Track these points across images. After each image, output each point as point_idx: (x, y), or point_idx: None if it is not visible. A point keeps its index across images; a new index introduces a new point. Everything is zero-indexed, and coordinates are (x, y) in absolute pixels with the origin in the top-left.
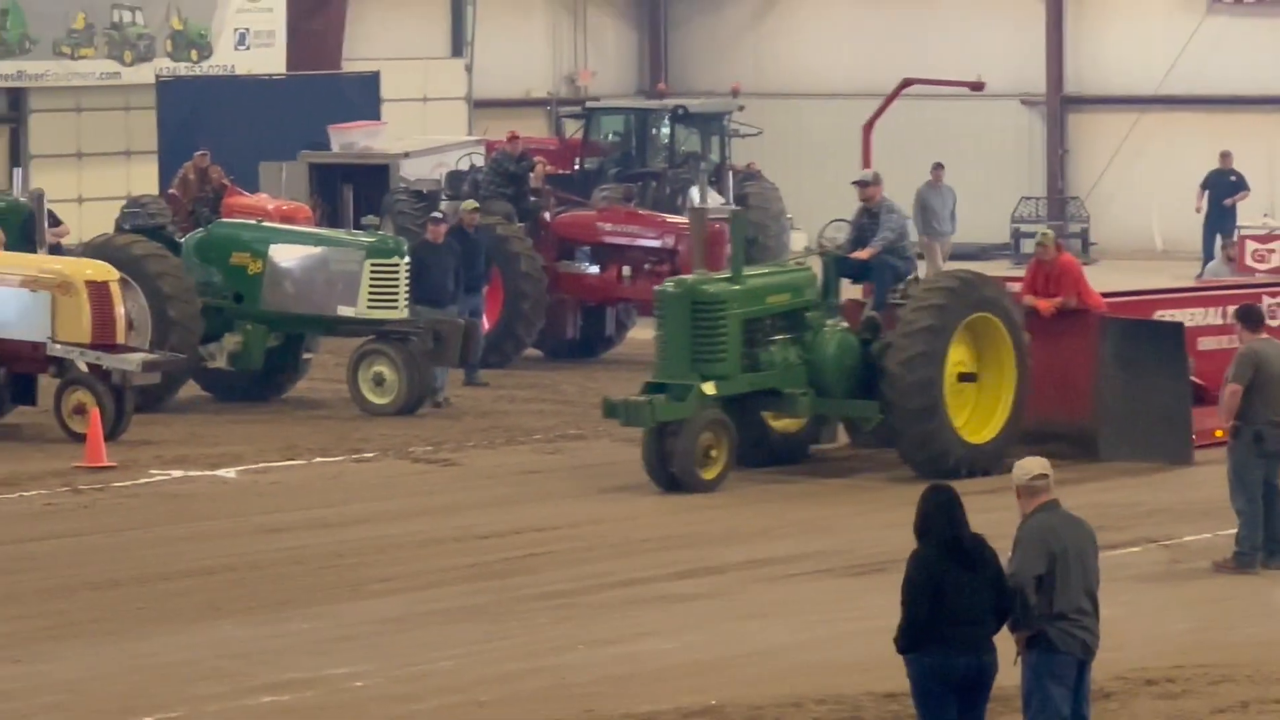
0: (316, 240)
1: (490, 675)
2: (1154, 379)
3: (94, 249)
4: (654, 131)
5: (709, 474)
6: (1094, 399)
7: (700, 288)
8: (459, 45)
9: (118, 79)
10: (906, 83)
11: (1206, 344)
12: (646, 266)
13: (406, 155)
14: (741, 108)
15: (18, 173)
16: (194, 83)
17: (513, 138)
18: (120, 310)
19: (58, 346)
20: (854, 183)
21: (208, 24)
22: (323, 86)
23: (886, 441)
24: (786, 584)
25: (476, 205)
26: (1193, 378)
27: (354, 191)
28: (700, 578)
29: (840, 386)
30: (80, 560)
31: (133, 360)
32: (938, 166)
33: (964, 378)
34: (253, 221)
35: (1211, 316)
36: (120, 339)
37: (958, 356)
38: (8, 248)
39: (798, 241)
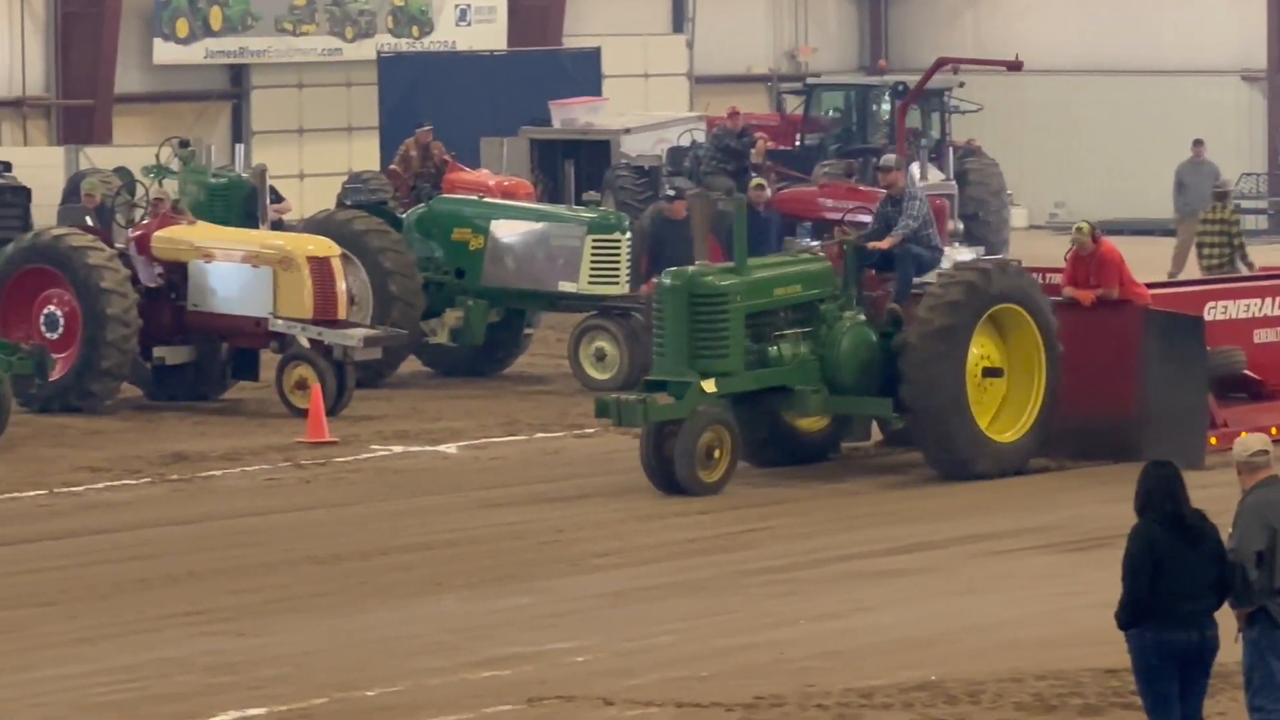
0: (538, 216)
1: (710, 650)
2: (1173, 374)
3: (315, 224)
4: (874, 108)
5: (711, 476)
6: (1136, 395)
7: (699, 280)
8: (680, 21)
9: (339, 55)
10: (941, 62)
11: (1263, 336)
12: None
13: (627, 131)
14: (962, 84)
15: (240, 149)
16: (415, 59)
17: (733, 114)
18: (342, 286)
19: (279, 322)
20: (876, 168)
21: (429, 0)
22: (544, 62)
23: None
24: (1005, 559)
25: (763, 182)
26: (1247, 371)
27: (575, 167)
28: (918, 553)
29: (857, 383)
30: (302, 535)
31: (354, 335)
32: (1198, 143)
33: (989, 372)
34: (474, 197)
35: (1270, 308)
36: (342, 314)
37: (982, 350)
38: (230, 223)
39: (1018, 218)
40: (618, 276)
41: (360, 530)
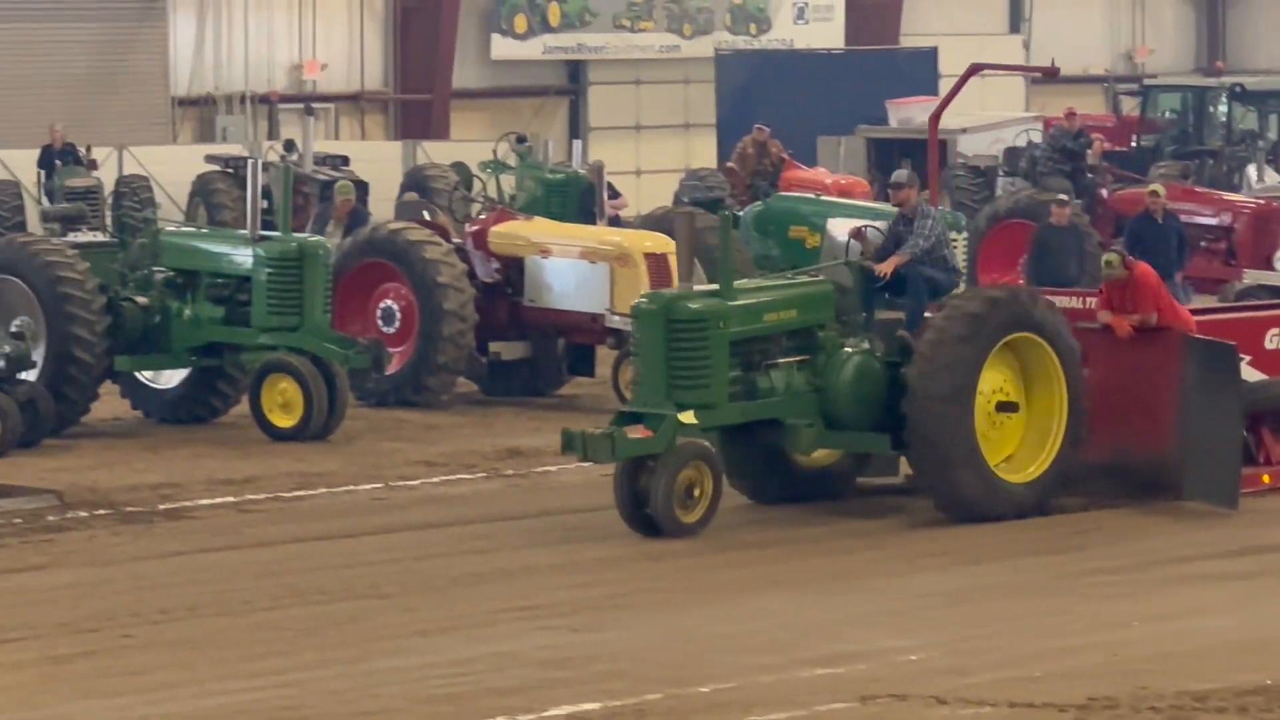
0: (874, 214)
1: (1043, 650)
2: (1209, 405)
3: (652, 221)
4: (1211, 109)
5: (690, 516)
6: (1174, 429)
7: (679, 304)
8: (1017, 21)
9: (676, 52)
10: (974, 69)
11: None
12: (1203, 244)
13: (964, 131)
14: None
15: (577, 145)
16: (752, 56)
17: (1070, 114)
18: (678, 282)
19: (616, 318)
20: (888, 185)
21: None
22: (880, 61)
23: None
24: None
25: (1064, 198)
26: None
27: (911, 166)
28: (1253, 555)
29: (857, 417)
30: (626, 532)
31: None
32: None
33: (1003, 407)
34: (811, 195)
35: None
36: None
37: (996, 382)
38: (566, 219)
39: None
40: None
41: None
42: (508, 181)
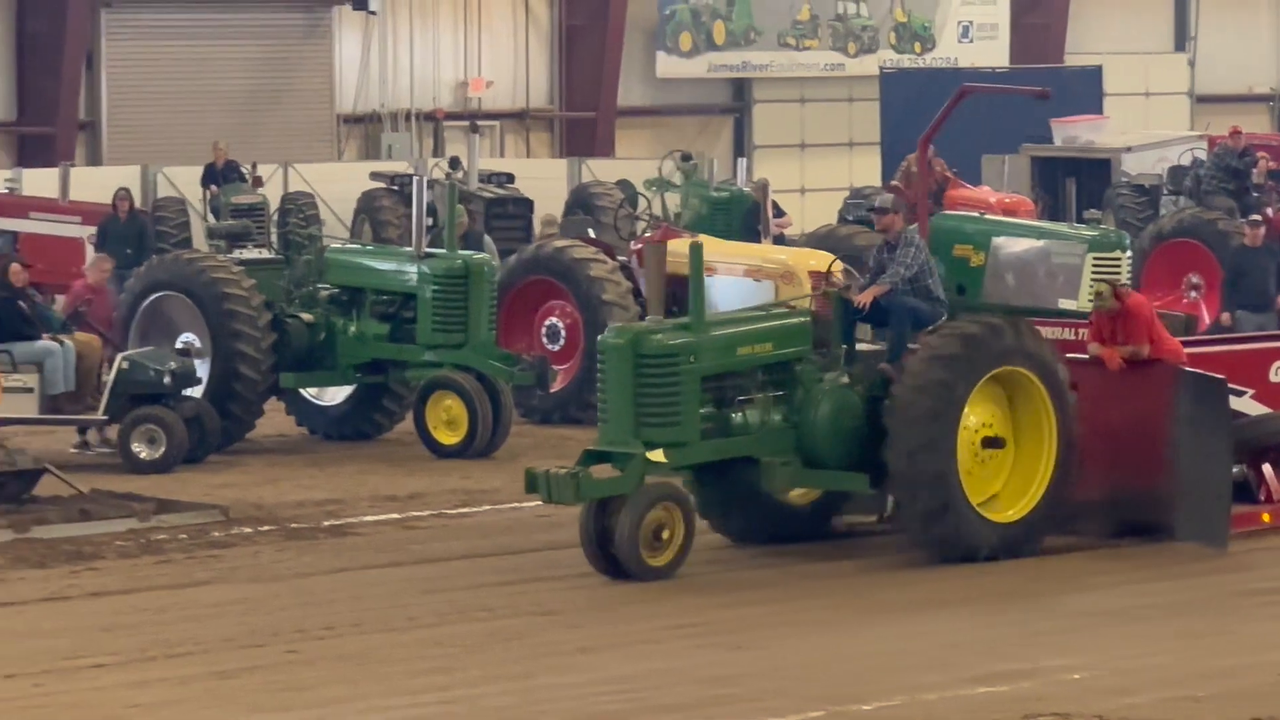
0: (1039, 233)
1: (1207, 669)
2: (1199, 441)
3: (817, 239)
4: None
5: (658, 560)
6: (1168, 466)
7: (647, 338)
8: (1182, 40)
9: (841, 70)
10: (965, 91)
11: None
12: None
13: (1128, 149)
14: None
15: (742, 163)
16: (917, 75)
17: (1235, 133)
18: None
19: None
20: (870, 210)
21: (931, 17)
22: (1045, 80)
23: None
24: None
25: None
26: None
27: (1075, 185)
28: None
29: (835, 454)
30: (803, 551)
31: None
32: None
33: (989, 443)
34: (975, 214)
35: None
36: None
37: (982, 417)
38: (731, 237)
39: None
40: None
41: (863, 546)
42: (672, 199)
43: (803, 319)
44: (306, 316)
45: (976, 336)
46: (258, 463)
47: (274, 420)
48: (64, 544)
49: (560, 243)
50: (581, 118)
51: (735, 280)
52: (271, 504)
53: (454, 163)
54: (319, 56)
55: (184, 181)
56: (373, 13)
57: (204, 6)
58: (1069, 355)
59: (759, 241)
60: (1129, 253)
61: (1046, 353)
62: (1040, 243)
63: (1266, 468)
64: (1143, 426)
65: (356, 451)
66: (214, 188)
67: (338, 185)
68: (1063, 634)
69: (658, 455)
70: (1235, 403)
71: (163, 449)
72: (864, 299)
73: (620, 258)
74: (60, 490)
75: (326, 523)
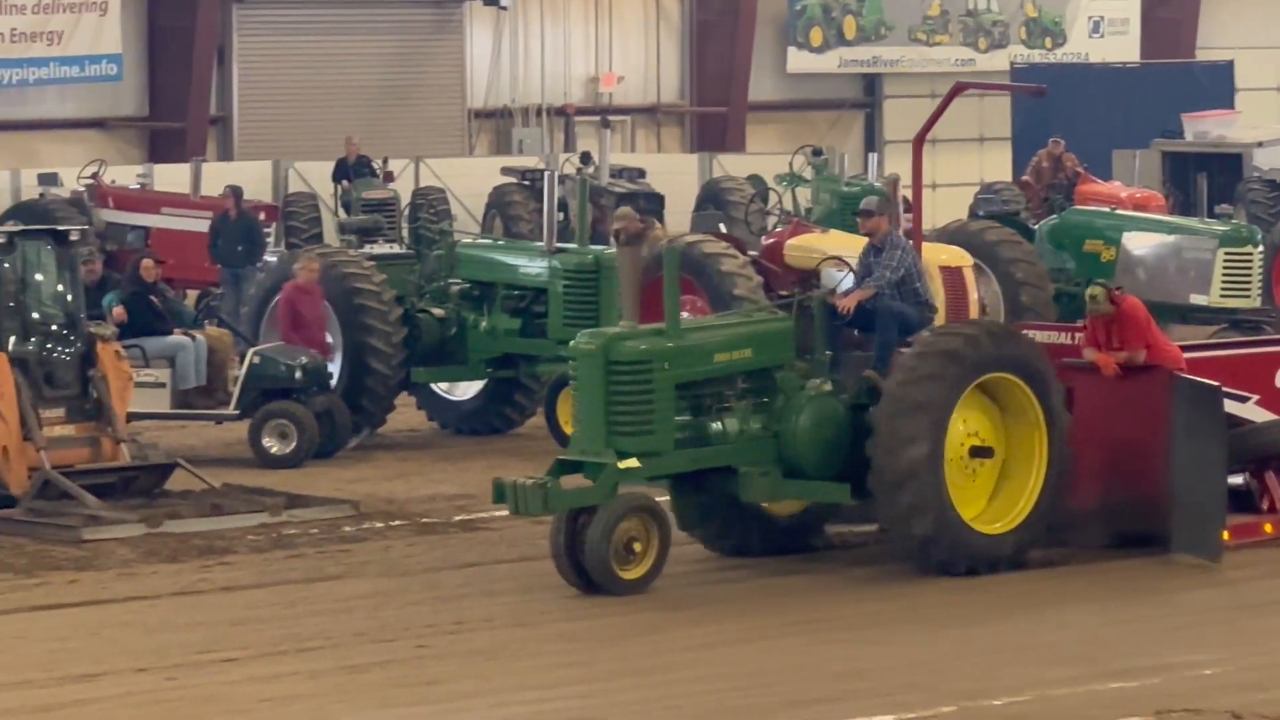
0: (1170, 228)
1: None
2: (1195, 450)
3: (948, 234)
4: None
5: (631, 573)
6: (1164, 475)
7: (619, 344)
8: None
9: (971, 65)
10: (959, 88)
11: None
12: None
13: (1260, 145)
14: None
15: (873, 158)
16: (1047, 70)
17: None
18: (974, 296)
19: None
20: (854, 213)
21: (1062, 12)
22: (1176, 75)
23: None
24: None
25: None
26: None
27: (1207, 180)
28: None
29: (817, 463)
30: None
31: None
32: None
33: (977, 452)
34: (1106, 209)
35: None
36: None
37: (972, 426)
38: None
39: None
40: (1249, 290)
41: None
42: (803, 194)
43: (784, 324)
44: (437, 311)
45: (964, 344)
46: (388, 458)
47: (405, 415)
48: (196, 539)
49: (691, 237)
50: (713, 113)
51: None
52: (402, 499)
53: (585, 158)
54: (450, 51)
55: (315, 177)
56: (504, 8)
57: (335, 2)
58: (1062, 362)
59: None
60: (1260, 248)
61: (1040, 362)
62: (1171, 238)
63: (1270, 476)
64: (1139, 433)
65: (487, 446)
66: (345, 183)
67: (469, 180)
68: (1194, 629)
69: (630, 464)
70: (1239, 409)
71: (294, 444)
72: (849, 304)
73: (751, 252)
74: (192, 485)
75: (457, 518)
